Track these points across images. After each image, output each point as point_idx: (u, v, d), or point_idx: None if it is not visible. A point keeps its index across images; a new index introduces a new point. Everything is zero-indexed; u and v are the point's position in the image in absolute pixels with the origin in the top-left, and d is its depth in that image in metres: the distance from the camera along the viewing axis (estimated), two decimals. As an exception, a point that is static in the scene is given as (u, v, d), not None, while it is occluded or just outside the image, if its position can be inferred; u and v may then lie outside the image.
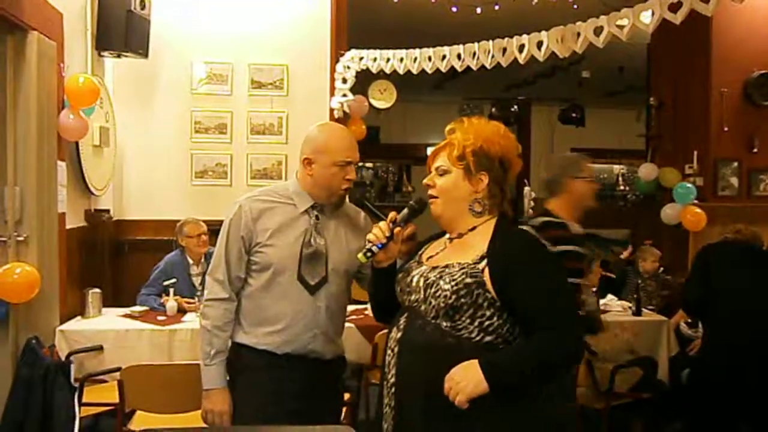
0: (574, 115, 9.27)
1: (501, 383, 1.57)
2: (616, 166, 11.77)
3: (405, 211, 1.82)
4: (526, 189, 6.42)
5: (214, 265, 2.19)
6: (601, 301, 4.02)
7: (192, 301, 3.83)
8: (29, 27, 3.19)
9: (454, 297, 1.62)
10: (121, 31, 4.15)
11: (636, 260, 4.85)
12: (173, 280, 3.86)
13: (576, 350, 1.72)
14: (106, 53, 4.26)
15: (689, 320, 4.17)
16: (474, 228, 1.73)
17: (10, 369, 3.15)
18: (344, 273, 2.20)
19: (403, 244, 1.86)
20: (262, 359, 2.13)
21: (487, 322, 1.63)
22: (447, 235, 1.80)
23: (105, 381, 3.32)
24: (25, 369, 3.00)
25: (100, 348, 3.41)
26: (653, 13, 3.15)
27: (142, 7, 4.27)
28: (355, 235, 2.21)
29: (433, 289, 1.66)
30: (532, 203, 6.32)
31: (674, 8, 3.07)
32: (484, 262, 1.65)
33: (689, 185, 4.91)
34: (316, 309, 2.14)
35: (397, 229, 1.79)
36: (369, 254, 1.77)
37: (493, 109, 9.50)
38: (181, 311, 3.76)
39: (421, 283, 1.70)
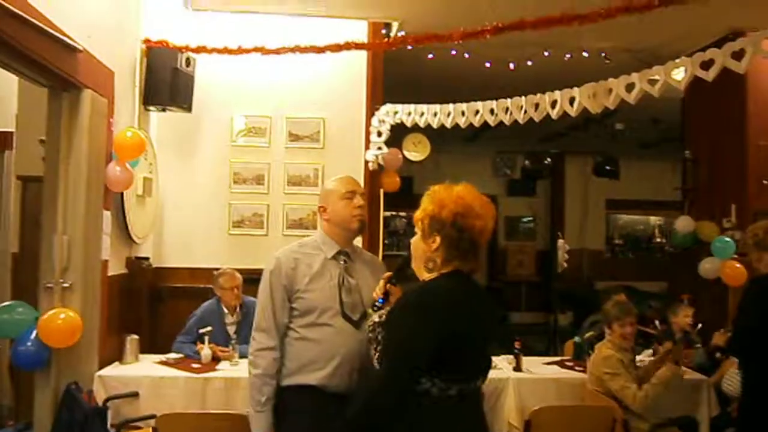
0: (608, 167, 9.16)
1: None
2: (652, 217, 11.64)
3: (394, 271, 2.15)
4: (560, 242, 6.39)
5: (260, 316, 2.37)
6: (637, 357, 3.92)
7: (226, 349, 3.87)
8: (84, 85, 3.38)
9: (370, 329, 2.02)
10: (167, 87, 4.37)
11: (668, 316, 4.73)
12: (209, 329, 3.91)
13: (379, 392, 1.82)
14: (152, 107, 4.48)
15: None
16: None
17: (50, 412, 3.21)
18: None
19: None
20: (306, 400, 2.28)
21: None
22: None
23: (140, 428, 3.36)
24: (64, 413, 3.07)
25: (136, 394, 3.46)
26: (685, 70, 3.18)
27: (187, 65, 4.49)
28: (375, 274, 2.42)
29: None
30: (566, 256, 6.27)
31: (706, 65, 3.09)
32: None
33: (728, 239, 4.81)
34: (361, 342, 2.25)
35: (389, 286, 2.12)
36: (375, 307, 2.13)
37: (527, 162, 9.47)
38: (216, 359, 3.81)
39: None
